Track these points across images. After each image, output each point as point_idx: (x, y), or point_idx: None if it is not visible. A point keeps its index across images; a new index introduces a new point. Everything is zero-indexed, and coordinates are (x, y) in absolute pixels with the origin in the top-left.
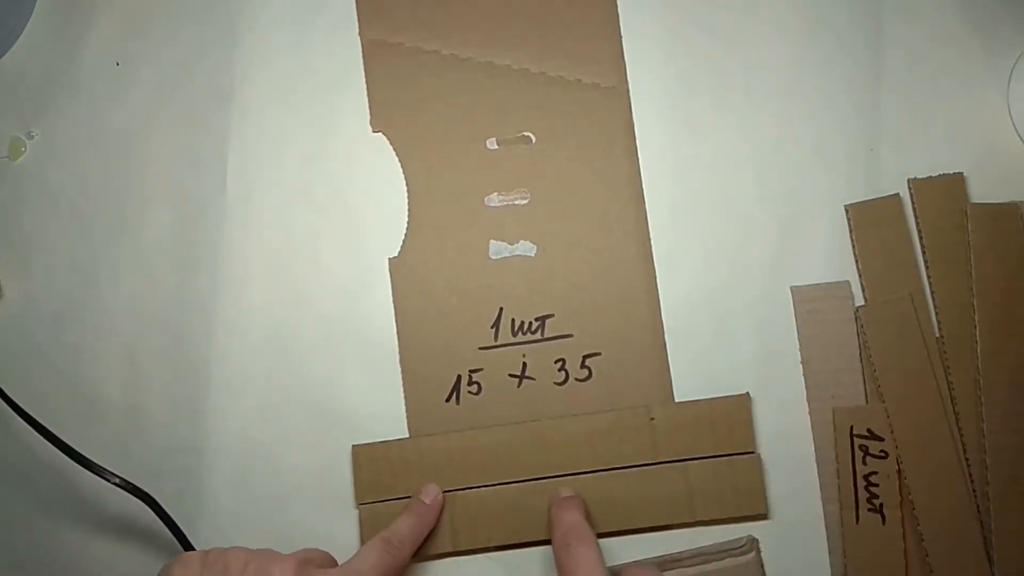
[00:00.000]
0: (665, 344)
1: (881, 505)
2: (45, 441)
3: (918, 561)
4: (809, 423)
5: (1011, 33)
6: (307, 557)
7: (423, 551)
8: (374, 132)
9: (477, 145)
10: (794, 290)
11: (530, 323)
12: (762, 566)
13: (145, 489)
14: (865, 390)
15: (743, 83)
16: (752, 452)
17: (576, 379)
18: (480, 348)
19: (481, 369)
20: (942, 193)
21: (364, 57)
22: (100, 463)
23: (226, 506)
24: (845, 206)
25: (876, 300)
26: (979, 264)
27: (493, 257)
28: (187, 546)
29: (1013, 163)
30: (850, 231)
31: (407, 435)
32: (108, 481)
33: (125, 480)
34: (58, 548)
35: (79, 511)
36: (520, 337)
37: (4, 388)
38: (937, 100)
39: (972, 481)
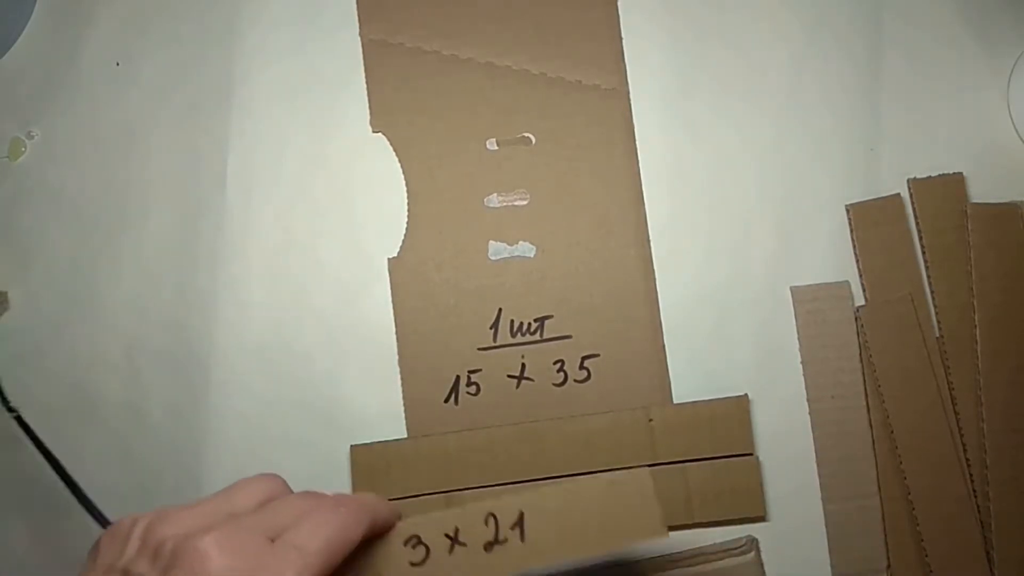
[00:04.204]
0: (664, 345)
1: None
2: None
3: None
4: (809, 423)
5: (1011, 33)
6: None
7: None
8: (374, 132)
9: (477, 145)
10: (794, 290)
11: (529, 324)
12: (762, 566)
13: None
14: (865, 390)
15: (743, 84)
16: (751, 454)
17: (575, 380)
18: (479, 349)
19: (480, 370)
20: (942, 193)
21: (364, 57)
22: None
23: None
24: (846, 206)
25: (876, 300)
26: (979, 264)
27: (492, 258)
28: None
29: (1013, 163)
30: (850, 231)
31: (406, 435)
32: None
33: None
34: (60, 545)
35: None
36: (519, 338)
37: (3, 387)
38: (937, 100)
39: (972, 481)
